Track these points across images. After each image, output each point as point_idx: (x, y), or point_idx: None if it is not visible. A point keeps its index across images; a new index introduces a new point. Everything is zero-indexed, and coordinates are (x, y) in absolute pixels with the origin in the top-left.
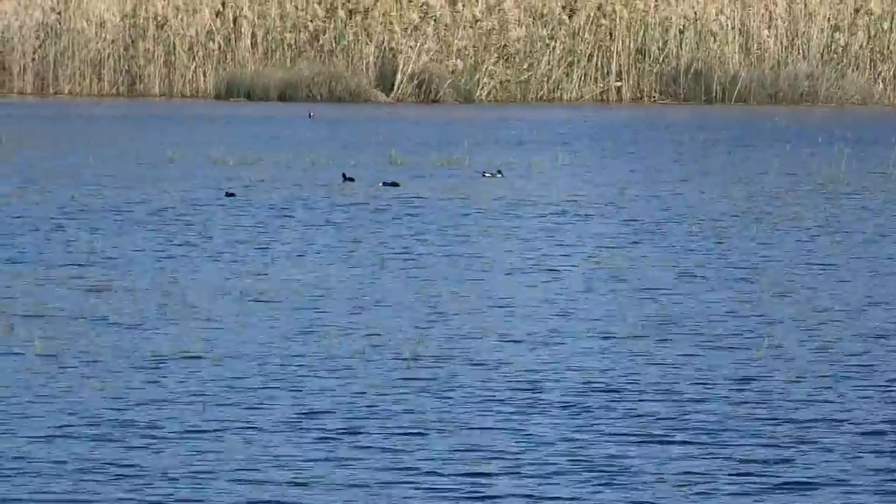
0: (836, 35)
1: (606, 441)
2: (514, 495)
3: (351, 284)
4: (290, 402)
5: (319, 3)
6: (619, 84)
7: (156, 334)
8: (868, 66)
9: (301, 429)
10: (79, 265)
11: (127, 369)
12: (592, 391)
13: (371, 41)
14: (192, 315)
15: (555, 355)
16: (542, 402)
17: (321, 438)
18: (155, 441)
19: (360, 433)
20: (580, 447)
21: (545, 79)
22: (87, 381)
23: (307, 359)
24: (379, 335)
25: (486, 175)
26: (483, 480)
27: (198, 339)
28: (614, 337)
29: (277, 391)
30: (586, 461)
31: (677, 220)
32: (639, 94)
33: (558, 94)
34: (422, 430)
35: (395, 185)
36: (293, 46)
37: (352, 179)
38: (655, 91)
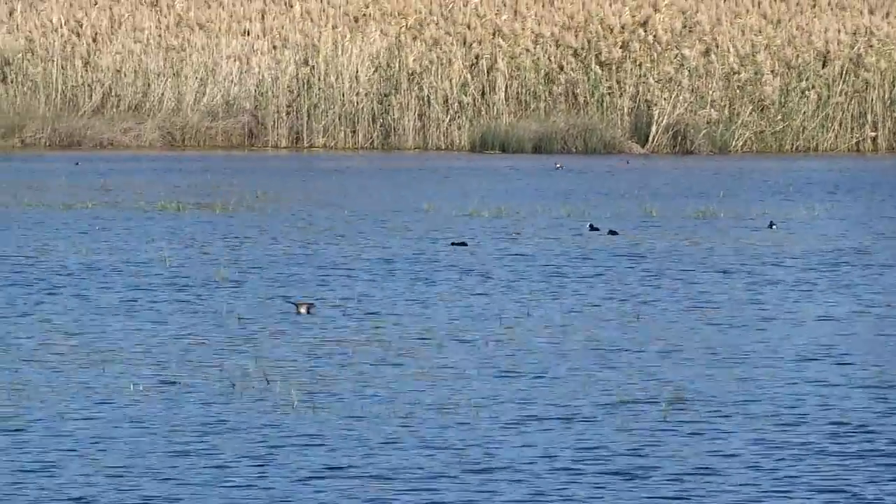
0: None
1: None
2: None
3: (606, 332)
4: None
5: (574, 56)
6: (873, 134)
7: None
8: None
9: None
10: (344, 315)
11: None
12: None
13: (625, 93)
14: (434, 363)
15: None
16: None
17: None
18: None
19: (634, 477)
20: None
21: (801, 129)
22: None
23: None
24: (633, 384)
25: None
26: None
27: (447, 391)
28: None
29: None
30: None
31: None
32: (895, 144)
33: (814, 144)
34: (684, 475)
35: (463, 244)
36: (547, 99)
37: (597, 229)
38: None
